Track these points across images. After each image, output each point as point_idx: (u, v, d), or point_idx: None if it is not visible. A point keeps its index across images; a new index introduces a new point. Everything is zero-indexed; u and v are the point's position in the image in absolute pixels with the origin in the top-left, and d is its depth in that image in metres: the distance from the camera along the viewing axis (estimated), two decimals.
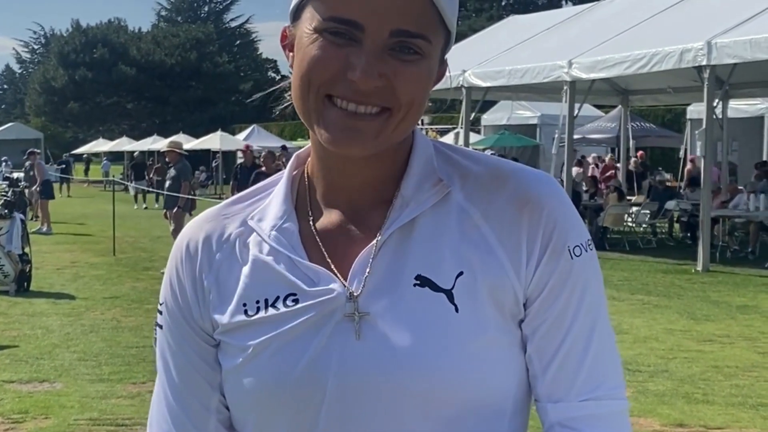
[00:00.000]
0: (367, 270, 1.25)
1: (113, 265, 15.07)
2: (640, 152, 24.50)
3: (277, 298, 1.27)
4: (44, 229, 21.30)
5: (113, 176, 33.46)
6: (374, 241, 1.26)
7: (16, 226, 12.45)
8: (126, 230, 20.06)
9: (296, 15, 1.26)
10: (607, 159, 25.29)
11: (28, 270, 12.37)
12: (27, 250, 12.68)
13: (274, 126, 52.82)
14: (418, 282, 1.24)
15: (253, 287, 1.29)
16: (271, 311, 1.26)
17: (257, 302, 1.28)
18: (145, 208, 30.90)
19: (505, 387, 1.26)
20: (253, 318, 1.28)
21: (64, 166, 43.96)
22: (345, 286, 1.25)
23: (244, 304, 1.29)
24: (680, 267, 14.93)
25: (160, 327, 1.39)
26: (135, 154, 40.81)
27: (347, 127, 1.19)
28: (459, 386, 1.21)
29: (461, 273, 1.24)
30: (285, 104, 1.38)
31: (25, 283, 12.22)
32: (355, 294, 1.24)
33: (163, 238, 18.11)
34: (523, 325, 1.27)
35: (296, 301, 1.26)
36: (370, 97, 1.18)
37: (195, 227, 1.38)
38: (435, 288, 1.24)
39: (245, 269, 1.31)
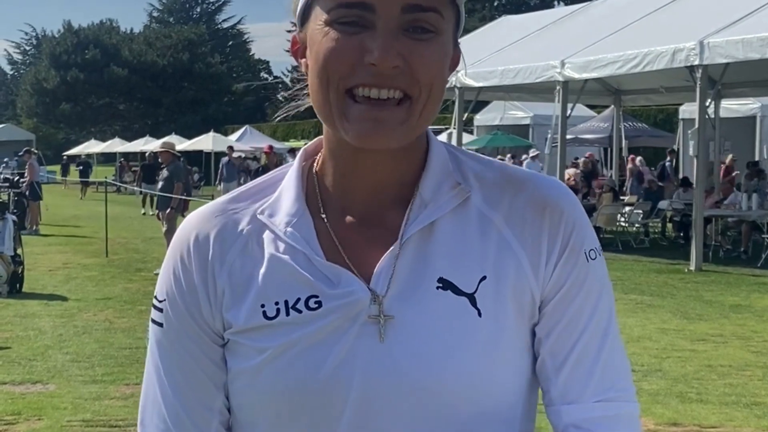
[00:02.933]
0: (392, 272, 1.23)
1: (106, 267, 15.03)
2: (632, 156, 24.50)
3: (298, 299, 1.24)
4: (34, 228, 21.21)
5: (106, 177, 33.15)
6: (397, 243, 1.24)
7: (8, 227, 12.42)
8: (118, 231, 20.02)
9: (304, 17, 1.24)
10: (727, 160, 23.79)
11: (20, 271, 12.32)
12: (19, 251, 12.64)
13: (266, 127, 52.87)
14: (441, 285, 1.23)
15: (271, 287, 1.25)
16: (293, 314, 1.23)
17: (276, 303, 1.24)
18: (153, 214, 25.75)
19: (519, 390, 1.27)
20: (273, 320, 1.24)
21: (81, 167, 43.33)
22: (369, 288, 1.23)
23: (263, 305, 1.25)
24: (673, 266, 14.95)
25: (159, 324, 1.32)
26: (147, 154, 38.01)
27: (372, 119, 1.17)
28: (481, 390, 1.22)
29: (484, 277, 1.24)
30: (302, 104, 1.36)
31: (18, 285, 12.16)
32: (380, 296, 1.22)
33: (155, 239, 18.07)
34: (537, 328, 1.27)
35: (319, 303, 1.23)
36: (391, 80, 1.16)
37: (202, 220, 1.32)
38: (457, 292, 1.23)
39: (261, 268, 1.26)
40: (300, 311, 1.23)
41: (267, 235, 1.28)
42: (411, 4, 1.16)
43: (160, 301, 1.33)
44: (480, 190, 1.29)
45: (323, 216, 1.28)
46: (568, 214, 1.28)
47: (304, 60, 1.25)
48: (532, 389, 1.30)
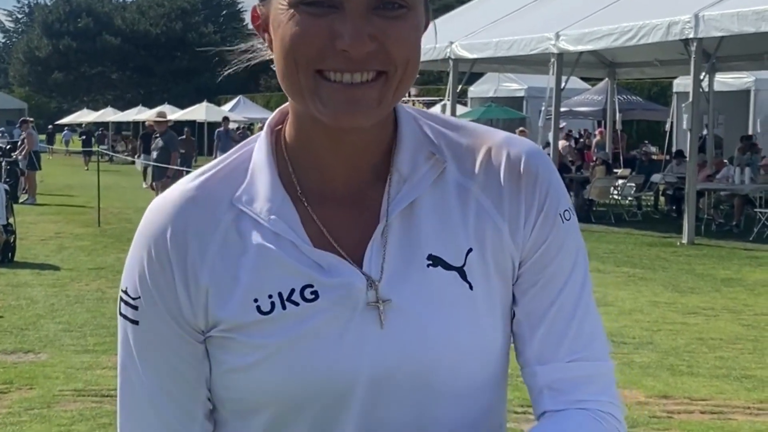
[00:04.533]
0: (383, 254, 1.21)
1: (98, 236, 15.00)
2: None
3: (292, 290, 1.19)
4: (30, 199, 21.23)
5: (98, 147, 32.85)
6: (382, 224, 1.21)
7: (1, 196, 12.38)
8: (111, 201, 19.96)
9: None
10: None
11: (12, 241, 12.30)
12: (11, 220, 12.61)
13: (260, 97, 52.58)
14: (431, 262, 1.21)
15: (261, 280, 1.19)
16: (290, 307, 1.18)
17: (270, 297, 1.19)
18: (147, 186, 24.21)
19: (506, 355, 1.28)
20: (269, 315, 1.19)
21: (84, 137, 42.74)
22: (364, 274, 1.19)
23: (255, 300, 1.19)
24: (665, 240, 14.98)
25: (134, 322, 1.24)
26: (146, 123, 36.98)
27: (347, 100, 1.12)
28: (479, 362, 1.22)
29: (470, 249, 1.23)
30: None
31: (10, 254, 12.15)
32: (376, 281, 1.19)
33: None
34: (513, 287, 1.27)
35: (315, 294, 1.18)
36: (364, 64, 1.11)
37: (175, 210, 1.23)
38: (447, 266, 1.22)
39: (247, 260, 1.20)
40: (297, 303, 1.18)
41: (248, 224, 1.22)
42: None
43: (133, 299, 1.24)
44: (454, 160, 1.26)
45: (303, 199, 1.23)
46: (542, 177, 1.26)
47: (267, 35, 1.20)
48: (508, 350, 1.31)
